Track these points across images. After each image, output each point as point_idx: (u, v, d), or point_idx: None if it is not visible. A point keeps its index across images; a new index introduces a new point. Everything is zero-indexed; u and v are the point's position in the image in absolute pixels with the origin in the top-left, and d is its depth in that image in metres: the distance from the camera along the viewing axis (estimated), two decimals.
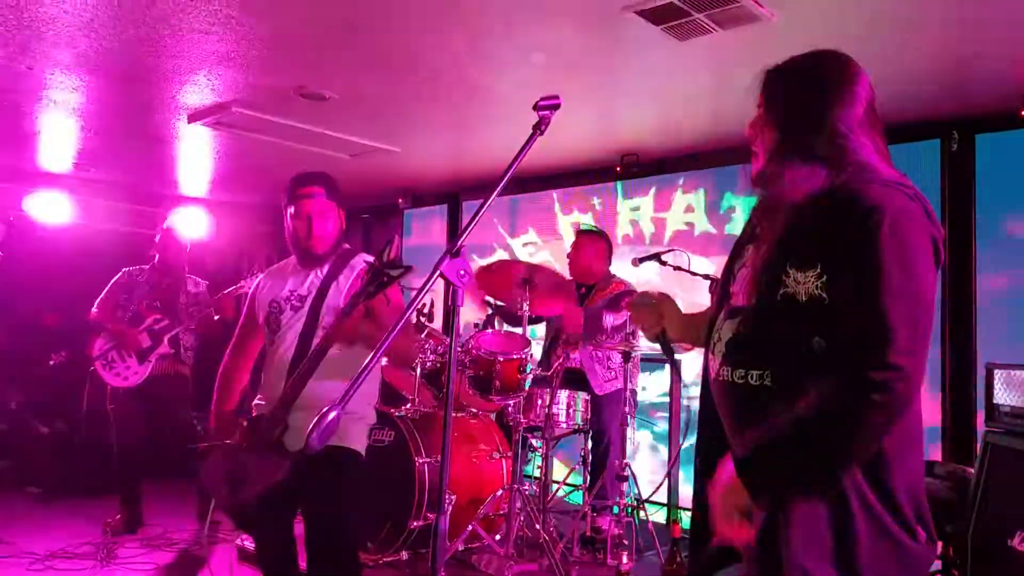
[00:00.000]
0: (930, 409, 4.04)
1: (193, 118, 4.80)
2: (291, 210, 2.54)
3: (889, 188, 1.39)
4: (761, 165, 1.56)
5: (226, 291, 4.44)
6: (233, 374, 2.70)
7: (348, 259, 2.58)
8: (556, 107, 1.68)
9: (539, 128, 1.67)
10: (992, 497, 2.67)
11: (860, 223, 1.34)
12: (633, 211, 5.66)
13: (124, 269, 4.58)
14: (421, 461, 3.71)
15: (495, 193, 1.64)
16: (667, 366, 4.80)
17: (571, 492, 4.61)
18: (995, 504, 2.65)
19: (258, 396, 2.58)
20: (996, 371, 2.88)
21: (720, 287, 1.65)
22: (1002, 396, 2.82)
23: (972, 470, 2.81)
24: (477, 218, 1.68)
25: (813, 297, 1.37)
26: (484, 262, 6.44)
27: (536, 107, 1.68)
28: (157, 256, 4.59)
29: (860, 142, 1.46)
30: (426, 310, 4.19)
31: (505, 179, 1.62)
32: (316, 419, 1.33)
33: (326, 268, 2.56)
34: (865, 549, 1.33)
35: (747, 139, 1.60)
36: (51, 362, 5.66)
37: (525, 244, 6.28)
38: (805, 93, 1.50)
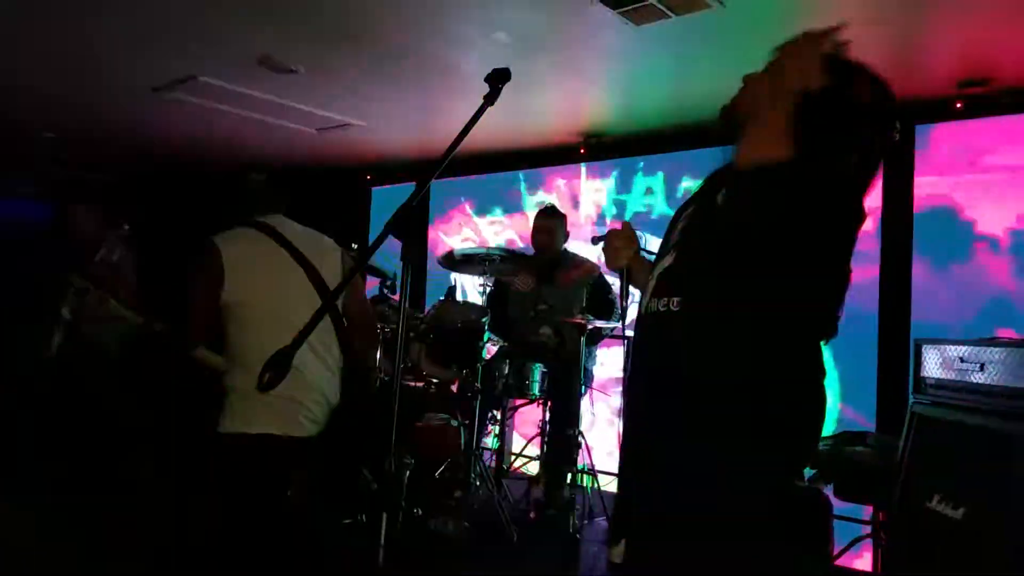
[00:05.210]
0: (868, 385, 4.25)
1: (157, 88, 4.81)
2: None
3: None
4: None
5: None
6: None
7: None
8: (505, 79, 1.76)
9: (489, 100, 1.77)
10: (916, 463, 2.83)
11: None
12: (596, 192, 5.79)
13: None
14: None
15: (443, 163, 1.74)
16: (624, 343, 4.94)
17: (528, 462, 4.74)
18: (919, 470, 2.81)
19: None
20: (924, 346, 3.04)
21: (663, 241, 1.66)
22: (931, 369, 2.98)
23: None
24: (425, 187, 1.80)
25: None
26: (454, 239, 6.55)
27: (487, 79, 1.77)
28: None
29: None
30: (388, 282, 4.26)
31: (454, 149, 1.72)
32: None
33: None
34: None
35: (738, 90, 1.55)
36: None
37: (491, 223, 6.38)
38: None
